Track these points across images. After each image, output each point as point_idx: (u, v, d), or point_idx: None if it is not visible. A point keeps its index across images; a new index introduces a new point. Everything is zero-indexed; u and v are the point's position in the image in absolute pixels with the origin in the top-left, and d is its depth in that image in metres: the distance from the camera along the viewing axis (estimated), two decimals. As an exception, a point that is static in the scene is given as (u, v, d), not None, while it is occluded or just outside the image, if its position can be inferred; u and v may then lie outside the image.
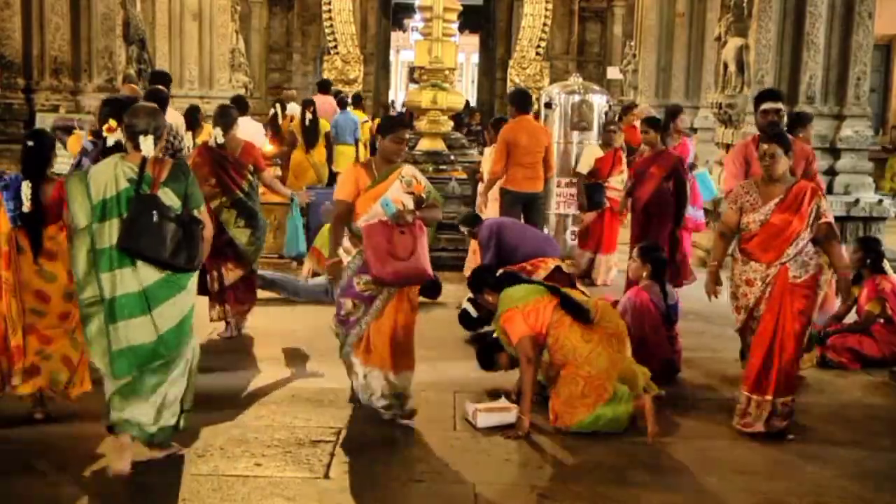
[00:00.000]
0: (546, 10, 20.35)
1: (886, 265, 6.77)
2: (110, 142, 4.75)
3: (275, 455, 4.50)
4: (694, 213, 9.32)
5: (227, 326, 6.76)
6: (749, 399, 4.99)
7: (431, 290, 7.34)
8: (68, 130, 6.43)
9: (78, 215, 4.14)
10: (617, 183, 8.95)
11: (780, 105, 6.24)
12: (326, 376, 5.74)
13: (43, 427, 4.80)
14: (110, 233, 4.11)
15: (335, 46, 19.81)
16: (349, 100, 14.41)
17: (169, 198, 4.20)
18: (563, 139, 9.77)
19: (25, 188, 4.66)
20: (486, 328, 5.96)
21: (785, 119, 6.27)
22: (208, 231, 4.39)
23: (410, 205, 4.87)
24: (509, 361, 5.49)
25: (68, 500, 4.03)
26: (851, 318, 6.74)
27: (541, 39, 20.45)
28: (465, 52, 37.21)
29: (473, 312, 6.41)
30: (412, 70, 20.71)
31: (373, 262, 4.76)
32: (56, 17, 9.77)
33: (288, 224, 8.45)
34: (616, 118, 10.88)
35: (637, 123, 9.60)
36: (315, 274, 8.36)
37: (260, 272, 7.88)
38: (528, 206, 8.36)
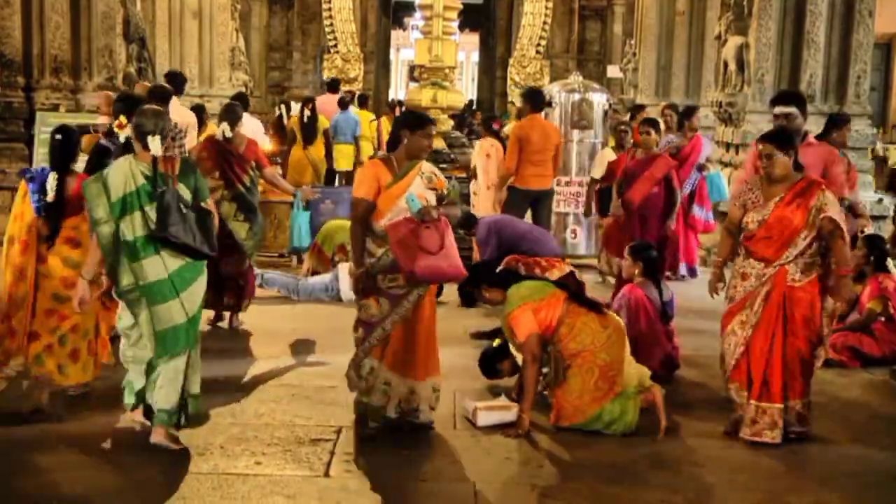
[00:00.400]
0: (546, 8, 20.37)
1: (890, 263, 6.76)
2: (121, 138, 5.24)
3: (275, 453, 4.50)
4: (703, 214, 9.32)
5: (222, 317, 7.00)
6: (757, 408, 4.82)
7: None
8: (85, 131, 6.56)
9: (97, 211, 4.40)
10: None
11: (790, 109, 5.91)
12: (326, 374, 5.74)
13: (42, 426, 4.80)
14: (134, 225, 4.40)
15: (335, 45, 19.83)
16: (349, 99, 14.42)
17: (184, 192, 4.52)
18: (564, 138, 9.77)
19: (52, 179, 4.95)
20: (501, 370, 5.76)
21: (797, 121, 5.86)
22: (216, 220, 4.71)
23: (433, 200, 4.75)
24: (511, 368, 5.49)
25: (68, 497, 4.02)
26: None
27: (541, 38, 20.47)
28: (465, 51, 37.22)
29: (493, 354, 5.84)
30: (412, 68, 20.72)
31: (403, 258, 4.57)
32: (56, 15, 9.77)
33: (292, 219, 8.56)
34: (629, 117, 10.86)
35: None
36: (315, 272, 8.38)
37: (260, 270, 7.94)
38: (537, 204, 8.42)
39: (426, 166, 4.87)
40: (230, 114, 6.85)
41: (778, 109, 5.99)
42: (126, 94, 6.14)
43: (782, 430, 4.82)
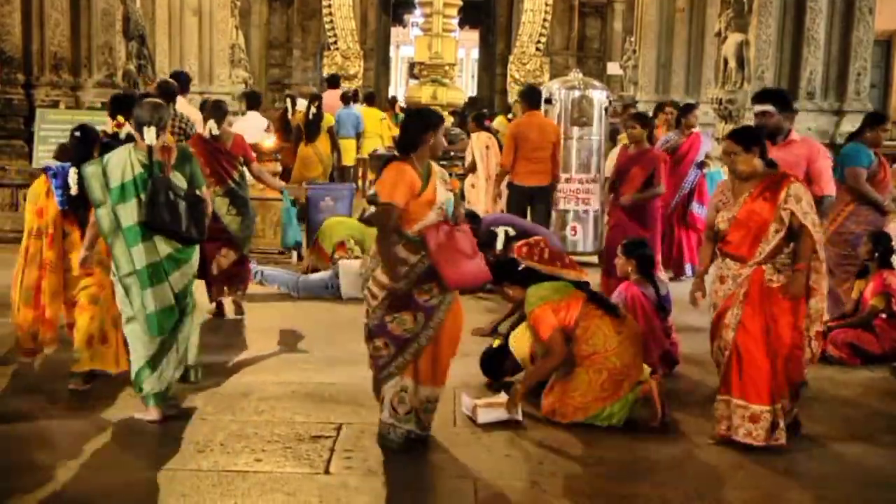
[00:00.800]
0: (546, 5, 20.37)
1: (895, 260, 6.74)
2: (122, 135, 5.49)
3: (275, 450, 4.50)
4: (702, 212, 9.29)
5: (224, 314, 7.15)
6: (745, 409, 4.72)
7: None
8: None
9: (95, 191, 4.69)
10: None
11: (766, 106, 5.89)
12: (327, 372, 5.74)
13: (43, 422, 4.81)
14: (131, 212, 4.68)
15: (335, 42, 19.82)
16: (351, 94, 14.51)
17: (178, 179, 4.80)
18: (564, 135, 9.78)
19: (73, 174, 5.20)
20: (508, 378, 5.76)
21: (774, 119, 5.82)
22: (209, 208, 4.99)
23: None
24: (513, 368, 5.49)
25: (69, 495, 4.03)
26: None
27: (541, 35, 20.47)
28: (464, 48, 37.25)
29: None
30: (412, 66, 20.70)
31: (444, 264, 4.32)
32: (56, 12, 9.77)
33: (282, 216, 8.57)
34: (651, 115, 10.81)
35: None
36: (314, 269, 8.38)
37: (260, 268, 7.96)
38: (534, 200, 8.43)
39: (436, 167, 4.69)
40: (217, 112, 7.01)
41: (756, 108, 6.04)
42: (117, 95, 6.32)
43: (772, 431, 4.70)
